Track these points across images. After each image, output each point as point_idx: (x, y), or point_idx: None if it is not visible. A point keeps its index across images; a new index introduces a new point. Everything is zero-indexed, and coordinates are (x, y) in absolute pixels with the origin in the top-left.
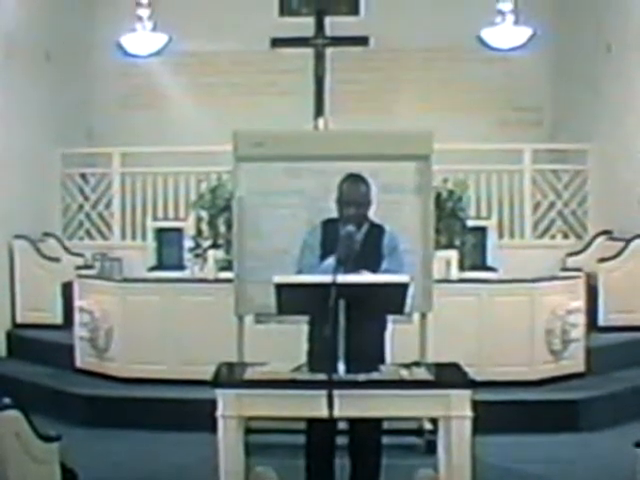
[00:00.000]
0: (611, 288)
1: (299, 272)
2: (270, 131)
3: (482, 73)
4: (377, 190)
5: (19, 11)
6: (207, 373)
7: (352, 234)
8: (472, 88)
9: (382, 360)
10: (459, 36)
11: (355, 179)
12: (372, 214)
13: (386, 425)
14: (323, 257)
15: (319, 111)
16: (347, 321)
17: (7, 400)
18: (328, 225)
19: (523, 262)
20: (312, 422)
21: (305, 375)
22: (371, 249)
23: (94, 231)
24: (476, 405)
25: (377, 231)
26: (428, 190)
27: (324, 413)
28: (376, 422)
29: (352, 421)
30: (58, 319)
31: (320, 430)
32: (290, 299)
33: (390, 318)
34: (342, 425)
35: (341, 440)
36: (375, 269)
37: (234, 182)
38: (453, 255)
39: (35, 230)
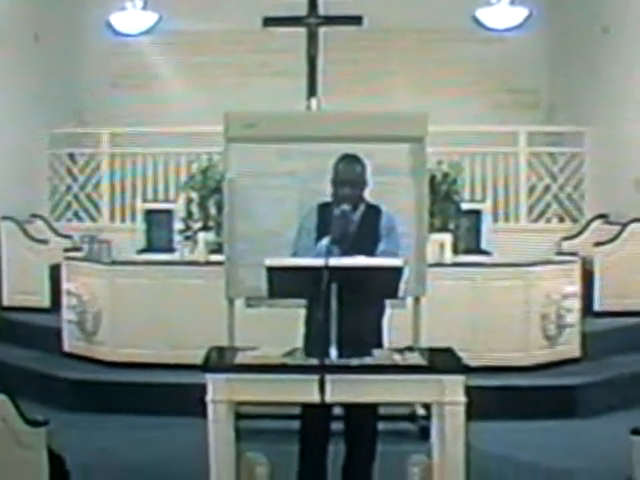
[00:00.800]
0: (607, 273)
1: (294, 254)
2: (261, 112)
3: (477, 54)
4: (370, 172)
5: None
6: (197, 357)
7: (347, 213)
8: (467, 69)
9: (379, 345)
10: (454, 16)
11: (351, 159)
12: (367, 195)
13: (380, 411)
14: (319, 240)
15: (312, 92)
16: (340, 305)
17: None
18: (324, 208)
19: (518, 246)
20: (306, 407)
21: (296, 359)
22: (368, 230)
23: (82, 213)
24: (470, 391)
25: (374, 212)
26: (422, 172)
27: (316, 398)
28: (372, 408)
29: (347, 407)
30: (46, 302)
31: (314, 416)
32: (282, 282)
33: (388, 303)
34: (338, 411)
35: (337, 426)
36: (372, 250)
37: (225, 163)
38: (447, 238)
39: (22, 211)
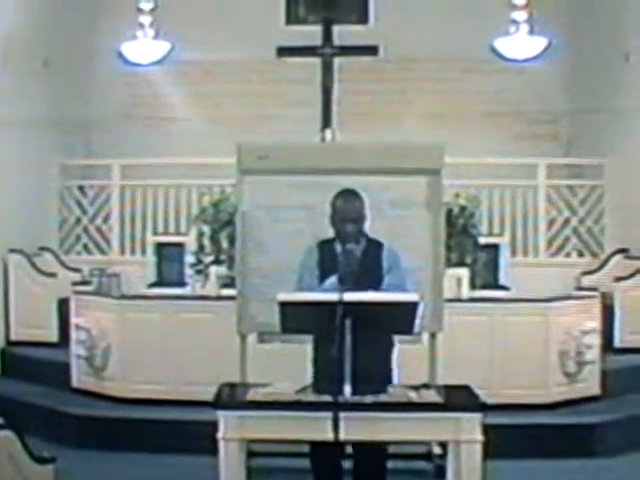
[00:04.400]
0: (628, 308)
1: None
2: (275, 143)
3: (495, 84)
4: (386, 205)
5: (17, 17)
6: (208, 394)
7: (353, 252)
8: (485, 100)
9: (389, 381)
10: (472, 46)
11: (348, 195)
12: (381, 230)
13: (394, 449)
14: (322, 278)
15: (326, 122)
16: (354, 341)
17: (0, 420)
18: (324, 246)
19: (537, 281)
20: (314, 446)
21: (310, 396)
22: (371, 265)
23: (92, 245)
24: (487, 429)
25: (375, 246)
26: (439, 205)
27: (329, 436)
28: (381, 446)
29: (356, 445)
30: (54, 337)
31: (323, 454)
32: (295, 318)
33: (397, 338)
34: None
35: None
36: (376, 285)
37: (238, 196)
38: (464, 273)
39: (30, 244)
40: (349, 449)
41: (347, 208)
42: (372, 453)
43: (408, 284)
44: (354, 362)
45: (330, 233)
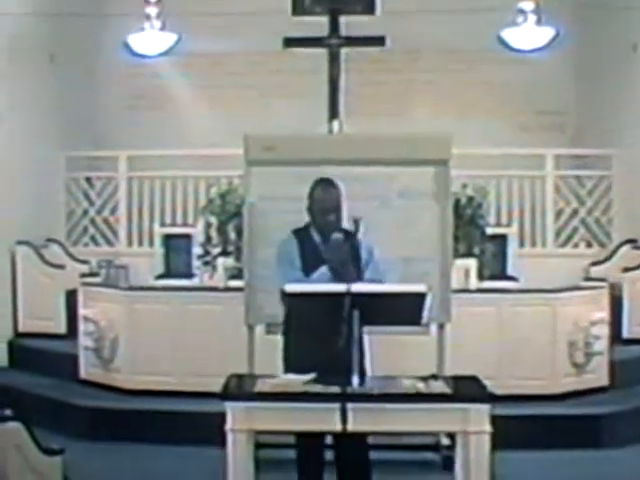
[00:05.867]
0: (636, 299)
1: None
2: (282, 135)
3: (503, 75)
4: (394, 196)
5: (22, 11)
6: (216, 385)
7: (340, 241)
8: (492, 91)
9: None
10: (479, 37)
11: (327, 184)
12: (389, 221)
13: (403, 440)
14: (305, 268)
15: (333, 113)
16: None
17: (8, 412)
18: (300, 234)
19: (545, 271)
20: (300, 436)
21: (317, 388)
22: (352, 255)
23: (99, 237)
24: (495, 420)
25: (350, 236)
26: (446, 196)
27: (337, 427)
28: (360, 436)
29: (337, 436)
30: (62, 328)
31: (309, 444)
32: (300, 309)
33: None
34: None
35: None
36: (359, 276)
37: (245, 187)
38: (472, 264)
39: (38, 236)
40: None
41: (326, 198)
42: (352, 443)
43: (386, 275)
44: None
45: None
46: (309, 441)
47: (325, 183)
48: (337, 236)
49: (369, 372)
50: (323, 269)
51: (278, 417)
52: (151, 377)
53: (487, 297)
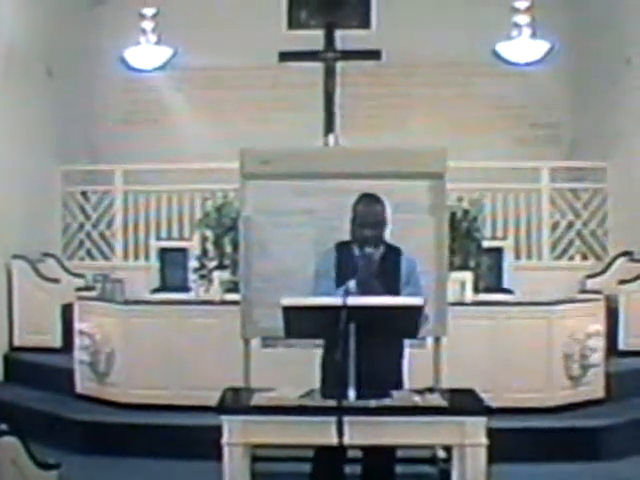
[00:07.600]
0: (632, 311)
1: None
2: (278, 148)
3: (498, 88)
4: (390, 209)
5: (19, 25)
6: (212, 399)
7: (372, 256)
8: (487, 104)
9: (399, 386)
10: (474, 50)
11: (370, 199)
12: (386, 233)
13: (399, 453)
14: (339, 281)
15: (329, 127)
16: (359, 345)
17: (4, 426)
18: (342, 248)
19: (540, 284)
20: (319, 450)
21: (314, 401)
22: (389, 271)
23: (95, 251)
24: (491, 433)
25: (394, 254)
26: (442, 209)
27: (334, 440)
28: (390, 451)
29: (365, 449)
30: (57, 342)
31: (327, 458)
32: (299, 322)
33: (407, 343)
34: (352, 453)
35: (353, 469)
36: (393, 292)
37: (241, 201)
38: (468, 277)
39: (34, 250)
40: (352, 454)
41: (367, 212)
42: (381, 458)
43: (423, 291)
44: (359, 366)
45: (332, 236)
46: (329, 454)
47: (368, 198)
48: (369, 251)
49: (406, 385)
50: (351, 283)
51: (275, 431)
52: (147, 391)
53: (483, 310)
